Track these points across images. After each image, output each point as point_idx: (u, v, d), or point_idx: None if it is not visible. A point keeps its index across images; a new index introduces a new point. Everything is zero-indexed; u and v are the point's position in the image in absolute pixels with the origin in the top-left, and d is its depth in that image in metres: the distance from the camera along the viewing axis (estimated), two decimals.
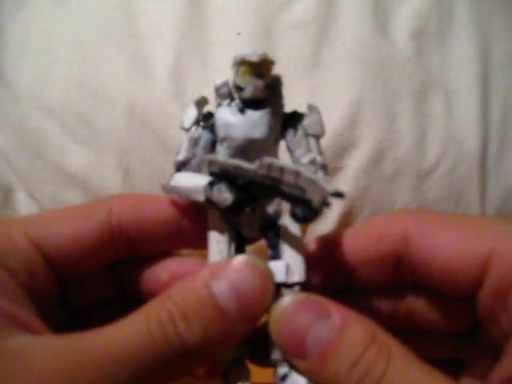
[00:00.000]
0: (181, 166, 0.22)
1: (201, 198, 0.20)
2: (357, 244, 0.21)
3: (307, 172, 0.19)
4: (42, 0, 0.47)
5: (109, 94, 0.44)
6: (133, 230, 0.23)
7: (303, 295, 0.19)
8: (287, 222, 0.22)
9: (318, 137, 0.22)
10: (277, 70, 0.45)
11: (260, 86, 0.20)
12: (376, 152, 0.45)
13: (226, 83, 0.21)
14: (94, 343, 0.17)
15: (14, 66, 0.46)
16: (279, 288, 0.21)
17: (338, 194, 0.19)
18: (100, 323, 0.18)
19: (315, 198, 0.18)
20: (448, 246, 0.19)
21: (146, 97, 0.44)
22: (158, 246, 0.24)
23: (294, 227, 0.22)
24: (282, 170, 0.19)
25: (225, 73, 0.45)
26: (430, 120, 0.46)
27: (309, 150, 0.22)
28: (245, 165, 0.20)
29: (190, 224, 0.23)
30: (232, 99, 0.21)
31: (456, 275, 0.19)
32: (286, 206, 0.21)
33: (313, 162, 0.21)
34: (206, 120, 0.22)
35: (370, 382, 0.17)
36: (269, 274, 0.19)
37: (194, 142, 0.22)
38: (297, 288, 0.21)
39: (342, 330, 0.18)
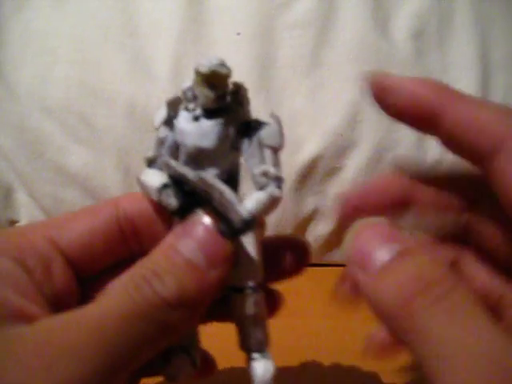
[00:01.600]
0: (150, 163, 0.23)
1: (154, 197, 0.22)
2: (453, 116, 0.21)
3: (229, 194, 0.20)
4: (41, 0, 0.47)
5: (109, 94, 0.44)
6: (139, 221, 0.24)
7: (384, 220, 0.19)
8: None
9: (275, 148, 0.22)
10: (277, 69, 0.46)
11: (211, 97, 0.20)
12: (376, 152, 0.45)
13: (191, 87, 0.21)
14: (81, 314, 0.18)
15: (14, 66, 0.46)
16: (234, 290, 0.23)
17: (246, 223, 0.20)
18: None
19: (235, 220, 0.20)
20: (472, 117, 0.19)
21: (145, 97, 0.44)
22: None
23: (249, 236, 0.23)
24: (211, 186, 0.20)
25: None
26: None
27: (262, 161, 0.21)
28: (189, 174, 0.20)
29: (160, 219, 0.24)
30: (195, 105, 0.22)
31: (475, 144, 0.19)
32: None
33: (265, 174, 0.21)
34: (172, 122, 0.22)
35: (428, 298, 0.16)
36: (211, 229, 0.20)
37: (161, 142, 0.22)
38: (249, 291, 0.22)
39: (410, 253, 0.18)
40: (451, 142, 0.21)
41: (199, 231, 0.20)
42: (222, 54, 0.46)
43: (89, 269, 0.24)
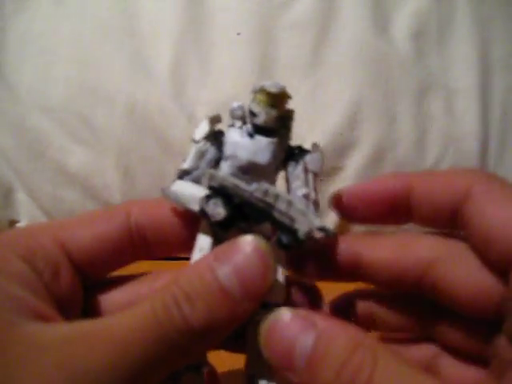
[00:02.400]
0: (183, 175, 0.23)
1: (196, 207, 0.21)
2: (423, 186, 0.22)
3: (300, 204, 0.21)
4: (42, 0, 0.47)
5: (109, 94, 0.44)
6: (150, 231, 0.24)
7: (289, 310, 0.19)
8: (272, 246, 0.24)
9: (316, 174, 0.23)
10: (277, 69, 0.45)
11: (273, 115, 0.22)
12: (376, 152, 0.45)
13: (241, 107, 0.23)
14: (103, 327, 0.18)
15: (14, 66, 0.46)
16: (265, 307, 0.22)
17: (324, 230, 0.21)
18: None
19: (302, 229, 0.20)
20: (501, 216, 0.19)
21: (145, 97, 0.44)
22: (174, 249, 0.25)
23: (277, 252, 0.23)
24: (276, 196, 0.21)
25: (224, 72, 0.45)
26: (429, 120, 0.46)
27: (305, 185, 0.23)
28: (242, 185, 0.21)
29: (183, 228, 0.24)
30: (244, 122, 0.23)
31: (499, 247, 0.19)
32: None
33: (307, 196, 0.22)
34: (216, 137, 0.23)
35: None
36: (269, 253, 0.19)
37: (201, 155, 0.23)
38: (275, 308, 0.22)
39: (325, 338, 0.18)
40: (423, 213, 0.22)
41: (241, 257, 0.19)
42: (221, 54, 0.46)
43: (95, 274, 0.24)
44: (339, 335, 0.18)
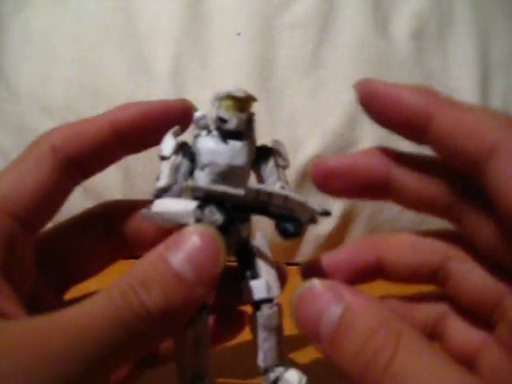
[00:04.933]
0: (161, 193, 0.23)
1: (190, 220, 0.21)
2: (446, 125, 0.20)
3: (295, 196, 0.21)
4: (41, 0, 0.47)
5: (109, 94, 0.44)
6: (81, 156, 0.24)
7: (318, 281, 0.20)
8: (257, 243, 0.25)
9: (284, 167, 0.25)
10: (277, 69, 0.45)
11: (243, 119, 0.22)
12: None
13: (204, 116, 0.23)
14: (62, 318, 0.18)
15: (13, 66, 0.46)
16: (261, 303, 0.23)
17: (326, 213, 0.22)
18: None
19: (304, 217, 0.22)
20: (461, 124, 0.19)
21: (145, 97, 0.44)
22: (102, 165, 0.26)
23: (264, 247, 0.25)
24: (270, 194, 0.21)
25: (224, 72, 0.45)
26: None
27: (279, 179, 0.24)
28: (231, 190, 0.21)
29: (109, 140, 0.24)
30: (209, 131, 0.23)
31: (465, 149, 0.19)
32: (255, 229, 0.25)
33: (282, 189, 0.24)
34: (184, 149, 0.24)
35: (376, 368, 0.17)
36: (217, 237, 0.20)
37: (176, 169, 0.23)
38: (276, 300, 0.23)
39: (351, 312, 0.18)
40: (442, 148, 0.21)
41: (191, 244, 0.19)
42: (221, 54, 0.46)
43: (41, 222, 0.24)
44: (365, 311, 0.18)
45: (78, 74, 0.45)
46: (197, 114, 0.23)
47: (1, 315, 0.18)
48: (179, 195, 0.23)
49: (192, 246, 0.19)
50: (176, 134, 0.24)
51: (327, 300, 0.19)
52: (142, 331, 0.18)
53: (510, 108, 0.47)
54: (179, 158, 0.23)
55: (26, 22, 0.47)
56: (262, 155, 0.24)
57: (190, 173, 0.23)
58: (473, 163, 0.19)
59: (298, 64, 0.45)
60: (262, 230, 0.25)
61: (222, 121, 0.22)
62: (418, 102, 0.20)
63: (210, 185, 0.22)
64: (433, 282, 0.24)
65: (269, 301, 0.23)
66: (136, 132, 0.25)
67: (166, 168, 0.23)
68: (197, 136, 0.23)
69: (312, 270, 0.25)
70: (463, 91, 0.47)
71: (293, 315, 0.20)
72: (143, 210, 0.23)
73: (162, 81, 0.44)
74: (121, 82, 0.44)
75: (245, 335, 0.27)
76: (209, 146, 0.23)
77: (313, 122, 0.45)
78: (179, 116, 0.25)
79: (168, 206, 0.22)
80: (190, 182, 0.22)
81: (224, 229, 0.21)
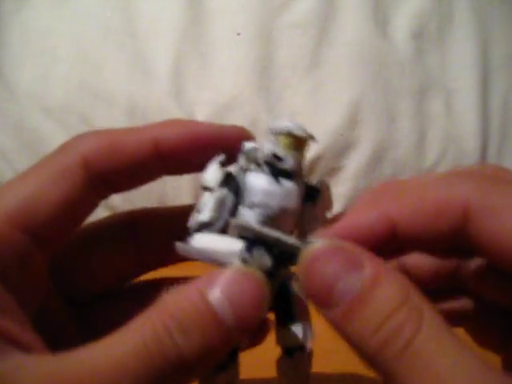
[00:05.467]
0: (203, 227, 0.21)
1: (235, 261, 0.19)
2: (411, 221, 0.19)
3: None
4: (41, 0, 0.47)
5: (109, 94, 0.44)
6: (113, 173, 0.22)
7: (336, 241, 0.18)
8: (296, 287, 0.22)
9: (328, 210, 0.23)
10: (277, 69, 0.45)
11: (300, 159, 0.21)
12: (376, 152, 0.45)
13: (256, 149, 0.21)
14: (85, 362, 0.16)
15: (14, 66, 0.46)
16: (293, 350, 0.22)
17: None
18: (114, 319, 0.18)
19: None
20: None
21: (145, 97, 0.44)
22: (137, 183, 0.23)
23: (301, 293, 0.22)
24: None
25: (224, 72, 0.45)
26: (429, 120, 0.46)
27: (320, 225, 0.22)
28: (286, 239, 0.19)
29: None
30: (258, 164, 0.21)
31: None
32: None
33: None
34: (230, 181, 0.21)
35: (395, 346, 0.16)
36: (263, 282, 0.18)
37: (221, 204, 0.21)
38: (308, 348, 0.22)
39: (372, 284, 0.17)
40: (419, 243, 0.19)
41: (236, 287, 0.17)
42: (221, 54, 0.46)
43: (59, 239, 0.21)
44: (389, 283, 0.17)
45: (78, 74, 0.45)
46: (247, 146, 0.21)
47: (18, 346, 0.17)
48: (221, 231, 0.21)
49: (237, 289, 0.18)
50: (222, 164, 0.22)
51: (345, 264, 0.17)
52: (172, 377, 0.17)
53: (510, 108, 0.47)
54: (225, 192, 0.21)
55: (25, 21, 0.47)
56: (309, 195, 0.22)
57: (234, 207, 0.21)
58: (453, 241, 0.19)
59: (298, 64, 0.45)
60: None
61: (277, 158, 0.21)
62: (375, 229, 0.19)
63: (262, 228, 0.20)
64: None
65: (302, 348, 0.22)
66: (181, 154, 0.22)
67: (210, 201, 0.21)
68: (245, 169, 0.21)
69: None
70: (463, 91, 0.47)
71: (301, 273, 0.18)
72: (179, 244, 0.21)
73: (162, 81, 0.44)
74: (121, 82, 0.44)
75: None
76: (261, 185, 0.21)
77: (313, 121, 0.45)
78: (231, 145, 0.22)
79: (210, 242, 0.20)
80: (241, 221, 0.20)
81: (270, 274, 0.19)
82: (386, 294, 0.17)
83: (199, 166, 0.22)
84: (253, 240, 0.20)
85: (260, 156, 0.21)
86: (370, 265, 0.17)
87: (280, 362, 0.22)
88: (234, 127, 0.23)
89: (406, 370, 0.16)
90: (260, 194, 0.21)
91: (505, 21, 0.49)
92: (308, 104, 0.45)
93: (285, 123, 0.21)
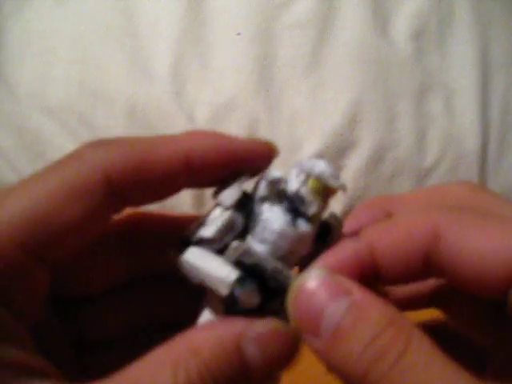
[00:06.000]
0: (203, 243, 0.20)
1: (223, 290, 0.18)
2: (384, 243, 0.20)
3: None
4: (42, 0, 0.47)
5: (109, 94, 0.44)
6: (135, 192, 0.20)
7: (323, 271, 0.18)
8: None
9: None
10: (277, 69, 0.46)
11: (323, 207, 0.20)
12: (376, 152, 0.45)
13: (280, 180, 0.20)
14: None
15: (14, 66, 0.46)
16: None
17: None
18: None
19: None
20: (480, 246, 0.18)
21: (145, 97, 0.44)
22: (159, 198, 0.21)
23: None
24: None
25: (224, 72, 0.45)
26: (429, 120, 0.46)
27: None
28: (286, 271, 0.19)
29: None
30: (279, 197, 0.20)
31: (487, 277, 0.18)
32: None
33: None
34: (244, 203, 0.20)
35: (383, 366, 0.16)
36: (296, 339, 0.18)
37: (230, 226, 0.20)
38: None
39: (358, 309, 0.17)
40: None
41: (271, 342, 0.18)
42: (221, 54, 0.46)
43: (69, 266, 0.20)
44: (374, 308, 0.17)
45: (78, 74, 0.45)
46: (274, 175, 0.20)
47: (34, 374, 0.16)
48: (217, 251, 0.20)
49: (273, 347, 0.18)
50: (242, 184, 0.21)
51: (332, 292, 0.17)
52: None
53: (510, 108, 0.47)
54: (237, 216, 0.20)
55: (26, 22, 0.47)
56: (320, 232, 0.21)
57: (242, 230, 0.20)
58: (425, 265, 0.19)
59: (298, 64, 0.45)
60: None
61: (300, 200, 0.20)
62: (360, 255, 0.20)
63: (264, 257, 0.19)
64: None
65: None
66: (209, 169, 0.20)
67: (219, 220, 0.20)
68: (264, 198, 0.20)
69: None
70: (463, 91, 0.47)
71: (290, 303, 0.18)
72: (174, 253, 0.20)
73: (162, 81, 0.44)
74: (121, 82, 0.44)
75: None
76: (277, 224, 0.19)
77: (313, 121, 0.45)
78: (258, 161, 0.21)
79: (203, 260, 0.19)
80: (246, 245, 0.19)
81: (254, 311, 0.19)
82: (372, 317, 0.17)
83: (221, 180, 0.21)
84: (247, 268, 0.19)
85: (282, 189, 0.20)
86: (357, 291, 0.17)
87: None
88: (263, 143, 0.21)
89: None
90: (274, 233, 0.20)
91: (505, 21, 0.49)
92: (308, 104, 0.45)
93: (321, 166, 0.19)
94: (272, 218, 0.20)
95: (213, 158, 0.20)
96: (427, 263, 0.19)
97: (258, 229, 0.20)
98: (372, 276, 0.20)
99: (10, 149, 0.45)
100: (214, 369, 0.17)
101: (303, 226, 0.20)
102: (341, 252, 0.19)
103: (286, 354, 0.18)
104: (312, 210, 0.19)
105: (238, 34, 0.45)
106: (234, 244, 0.19)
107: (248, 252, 0.19)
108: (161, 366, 0.16)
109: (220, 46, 0.45)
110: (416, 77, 0.46)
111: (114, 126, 0.44)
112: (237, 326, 0.18)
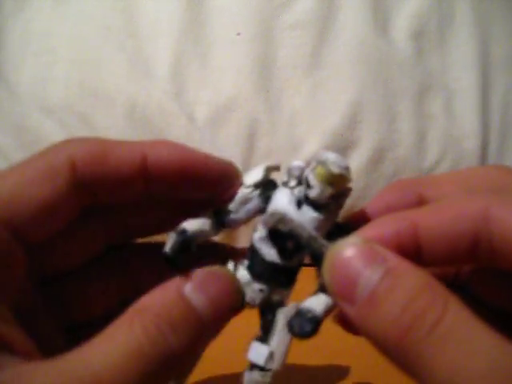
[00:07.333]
0: (220, 212, 0.22)
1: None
2: (432, 223, 0.20)
3: None
4: (42, 0, 0.47)
5: (109, 94, 0.44)
6: (99, 182, 0.21)
7: (359, 240, 0.18)
8: (285, 313, 0.23)
9: None
10: (277, 69, 0.45)
11: (327, 193, 0.20)
12: (376, 152, 0.45)
13: (300, 168, 0.21)
14: (84, 367, 0.17)
15: (14, 66, 0.46)
16: (254, 367, 0.22)
17: None
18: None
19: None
20: None
21: (145, 97, 0.44)
22: (125, 195, 0.23)
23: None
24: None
25: (224, 72, 0.45)
26: (430, 120, 0.46)
27: None
28: (320, 239, 0.20)
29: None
30: (299, 183, 0.21)
31: None
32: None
33: None
34: (266, 188, 0.22)
35: (420, 330, 0.15)
36: (233, 279, 0.21)
37: (244, 201, 0.22)
38: (270, 373, 0.22)
39: (394, 275, 0.17)
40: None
41: (216, 287, 0.20)
42: (221, 54, 0.46)
43: (39, 239, 0.21)
44: (409, 274, 0.17)
45: (78, 73, 0.45)
46: (293, 164, 0.22)
47: (15, 353, 0.17)
48: (231, 225, 0.22)
49: (210, 283, 0.20)
50: (269, 170, 0.22)
51: (367, 260, 0.17)
52: (164, 373, 0.18)
53: (510, 108, 0.47)
54: (253, 193, 0.22)
55: (26, 22, 0.47)
56: (335, 233, 0.22)
57: (258, 212, 0.22)
58: (470, 248, 0.19)
59: (298, 64, 0.45)
60: (296, 303, 0.23)
61: (307, 184, 0.21)
62: (400, 232, 0.20)
63: (300, 225, 0.20)
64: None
65: (262, 368, 0.22)
66: (166, 177, 0.22)
67: (238, 195, 0.22)
68: (283, 183, 0.22)
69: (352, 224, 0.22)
70: (463, 91, 0.47)
71: (326, 271, 0.18)
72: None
73: (162, 81, 0.44)
74: (121, 82, 0.44)
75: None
76: (281, 203, 0.21)
77: (313, 121, 0.45)
78: (215, 180, 0.22)
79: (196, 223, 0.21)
80: (282, 212, 0.21)
81: (263, 300, 0.21)
82: (407, 283, 0.17)
83: (184, 194, 0.22)
84: (278, 235, 0.20)
85: (299, 175, 0.21)
86: (392, 258, 0.17)
87: (243, 373, 0.23)
88: (223, 162, 0.23)
89: (434, 352, 0.15)
90: (274, 208, 0.21)
91: (505, 21, 0.49)
92: (308, 104, 0.45)
93: (326, 155, 0.20)
94: (277, 196, 0.21)
95: (169, 165, 0.21)
96: (475, 245, 0.19)
97: (268, 207, 0.22)
98: (412, 256, 0.19)
99: (10, 148, 0.45)
100: (166, 317, 0.18)
101: (308, 210, 0.21)
102: (382, 227, 0.20)
103: (229, 292, 0.20)
104: (314, 193, 0.20)
105: (238, 34, 0.45)
106: (270, 211, 0.20)
107: (285, 220, 0.20)
108: (116, 328, 0.18)
109: (220, 46, 0.45)
110: (416, 77, 0.46)
111: (114, 125, 0.44)
112: (176, 280, 0.20)
